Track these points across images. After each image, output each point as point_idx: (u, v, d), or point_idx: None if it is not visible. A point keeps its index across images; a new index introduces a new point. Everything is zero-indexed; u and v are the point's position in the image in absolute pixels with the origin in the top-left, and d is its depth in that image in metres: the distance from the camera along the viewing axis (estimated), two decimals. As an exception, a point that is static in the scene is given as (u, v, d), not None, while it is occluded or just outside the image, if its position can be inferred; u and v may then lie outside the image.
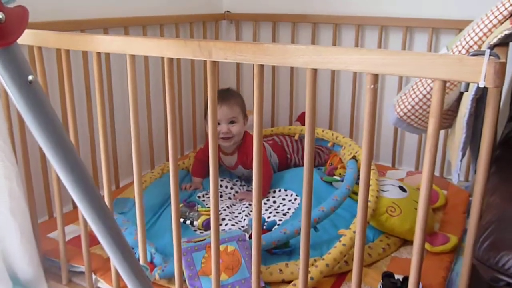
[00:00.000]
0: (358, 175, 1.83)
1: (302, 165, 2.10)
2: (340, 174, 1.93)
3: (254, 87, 0.92)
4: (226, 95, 1.91)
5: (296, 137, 2.19)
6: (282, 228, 1.47)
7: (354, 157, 1.92)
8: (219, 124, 1.90)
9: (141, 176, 1.15)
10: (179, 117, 2.30)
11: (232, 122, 1.91)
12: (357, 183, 1.80)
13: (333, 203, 1.59)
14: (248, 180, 2.05)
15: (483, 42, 1.19)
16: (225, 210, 1.79)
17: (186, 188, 1.98)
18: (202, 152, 2.09)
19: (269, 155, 2.05)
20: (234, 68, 2.59)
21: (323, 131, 2.09)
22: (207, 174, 2.05)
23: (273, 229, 1.54)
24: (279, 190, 1.90)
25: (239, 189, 1.99)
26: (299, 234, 1.46)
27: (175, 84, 2.21)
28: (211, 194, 1.03)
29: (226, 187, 1.99)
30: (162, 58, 2.08)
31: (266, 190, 1.90)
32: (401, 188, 1.69)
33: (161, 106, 2.20)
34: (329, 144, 2.10)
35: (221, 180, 2.02)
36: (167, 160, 2.19)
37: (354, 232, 1.46)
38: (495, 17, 1.16)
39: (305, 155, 0.91)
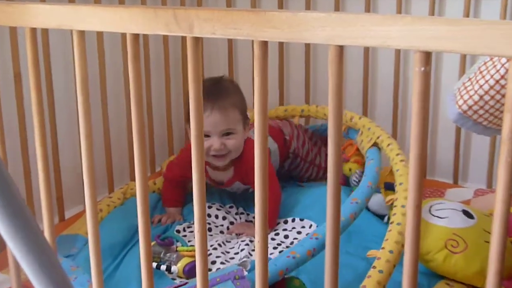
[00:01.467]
0: (389, 183, 1.83)
1: (304, 158, 2.16)
2: (350, 169, 1.95)
3: (254, 73, 0.92)
4: (218, 92, 1.88)
5: (296, 120, 2.21)
6: (289, 251, 1.46)
7: (375, 144, 1.93)
8: (208, 136, 1.87)
9: (96, 203, 1.16)
10: (149, 118, 2.31)
11: (228, 134, 1.88)
12: (388, 188, 1.81)
13: (352, 207, 1.60)
14: (247, 201, 2.05)
15: None
16: (216, 249, 1.79)
17: (161, 222, 1.97)
18: (174, 168, 2.05)
19: (271, 151, 2.06)
20: (225, 47, 2.60)
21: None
22: (186, 200, 2.06)
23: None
24: (293, 220, 1.91)
25: (235, 219, 2.00)
26: (313, 256, 1.47)
27: (141, 70, 2.21)
28: (195, 227, 1.03)
29: (217, 216, 1.99)
30: (124, 35, 2.09)
31: (274, 218, 1.91)
32: (466, 213, 1.69)
33: (122, 102, 2.21)
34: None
35: (209, 207, 2.02)
36: (132, 179, 2.22)
37: (391, 252, 1.46)
38: None
39: (330, 169, 0.91)
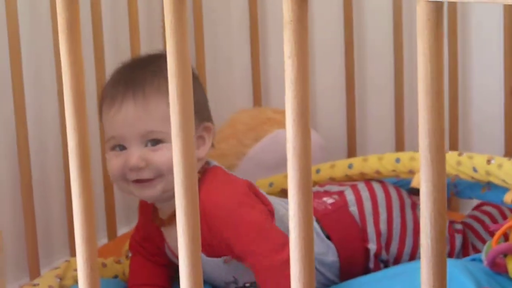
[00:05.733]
0: None
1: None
2: None
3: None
4: (140, 72, 1.23)
5: (416, 182, 1.34)
6: None
7: None
8: (123, 148, 1.21)
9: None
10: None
11: (155, 142, 1.20)
12: None
13: None
14: None
15: None
16: None
17: None
18: (136, 230, 1.36)
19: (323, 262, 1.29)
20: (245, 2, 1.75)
21: (489, 161, 1.34)
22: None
23: None
24: None
25: None
26: None
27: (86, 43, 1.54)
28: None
29: None
30: None
31: None
32: None
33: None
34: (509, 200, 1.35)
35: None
36: (75, 253, 1.49)
37: None
38: None
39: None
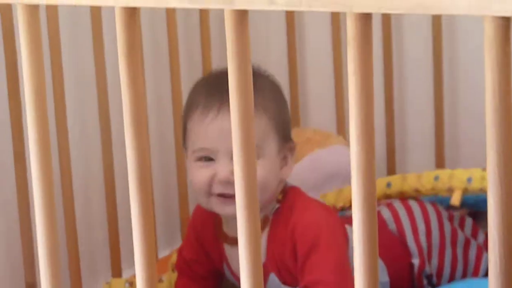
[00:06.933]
0: None
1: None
2: None
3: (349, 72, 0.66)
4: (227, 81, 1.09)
5: (456, 200, 1.38)
6: None
7: None
8: (210, 160, 1.17)
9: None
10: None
11: None
12: None
13: None
14: None
15: None
16: None
17: None
18: (184, 249, 1.35)
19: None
20: (283, 24, 1.81)
21: None
22: None
23: None
24: None
25: None
26: None
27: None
28: None
29: None
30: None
31: None
32: None
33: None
34: None
35: None
36: (116, 274, 1.52)
37: None
38: None
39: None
